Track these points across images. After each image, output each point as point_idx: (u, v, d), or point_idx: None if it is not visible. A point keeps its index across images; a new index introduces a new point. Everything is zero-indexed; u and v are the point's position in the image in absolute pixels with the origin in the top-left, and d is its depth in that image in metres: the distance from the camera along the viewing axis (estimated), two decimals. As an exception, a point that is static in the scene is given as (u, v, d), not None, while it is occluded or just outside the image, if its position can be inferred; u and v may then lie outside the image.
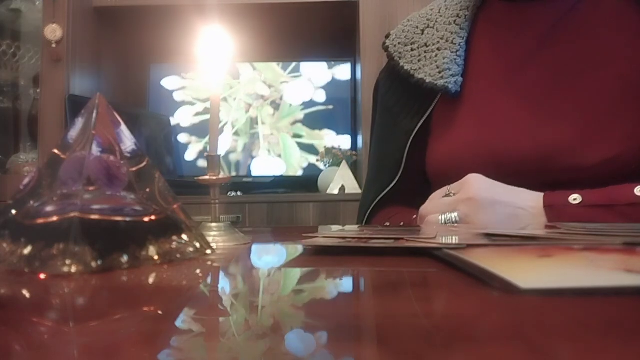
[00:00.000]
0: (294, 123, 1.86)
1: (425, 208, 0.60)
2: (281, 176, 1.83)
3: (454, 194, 0.58)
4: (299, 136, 1.85)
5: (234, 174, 1.82)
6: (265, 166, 1.85)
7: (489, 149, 0.65)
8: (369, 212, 0.78)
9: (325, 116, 1.86)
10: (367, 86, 1.58)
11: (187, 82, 1.87)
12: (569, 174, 0.59)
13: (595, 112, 0.62)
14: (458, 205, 0.56)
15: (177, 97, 1.87)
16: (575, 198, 0.54)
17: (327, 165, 1.78)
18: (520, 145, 0.64)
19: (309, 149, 1.85)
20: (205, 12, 1.57)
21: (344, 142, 1.84)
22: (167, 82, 1.88)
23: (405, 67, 0.74)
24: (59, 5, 1.52)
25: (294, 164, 1.84)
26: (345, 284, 0.28)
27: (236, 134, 1.85)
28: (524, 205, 0.55)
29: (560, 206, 0.54)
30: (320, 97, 1.87)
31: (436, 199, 0.60)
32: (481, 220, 0.54)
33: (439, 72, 0.70)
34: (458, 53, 0.70)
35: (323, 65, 1.87)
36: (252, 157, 1.84)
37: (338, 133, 1.86)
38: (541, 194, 0.56)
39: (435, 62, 0.71)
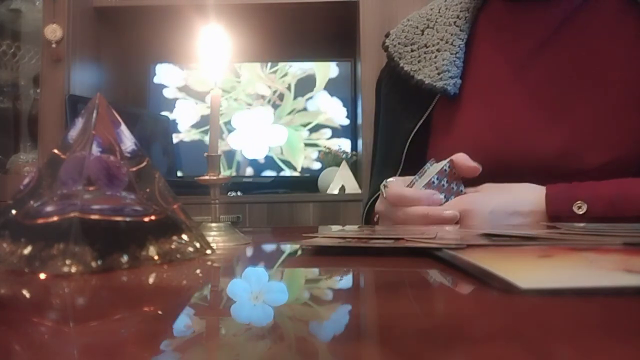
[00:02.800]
0: (295, 112, 1.85)
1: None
2: (281, 176, 1.83)
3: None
4: (302, 125, 1.85)
5: (233, 174, 1.82)
6: (265, 146, 1.84)
7: (489, 150, 0.65)
8: (366, 209, 0.79)
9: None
10: (367, 86, 1.58)
11: (187, 82, 1.87)
12: (569, 177, 0.59)
13: (596, 116, 0.62)
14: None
15: (177, 96, 1.87)
16: (580, 206, 0.54)
17: (327, 165, 1.78)
18: (520, 148, 0.64)
19: (313, 128, 1.84)
20: (205, 12, 1.57)
21: (341, 112, 1.83)
22: (167, 82, 1.87)
23: (405, 68, 0.74)
24: (59, 5, 1.52)
25: (297, 148, 1.83)
26: (345, 284, 0.28)
27: (236, 133, 1.85)
28: (527, 210, 0.55)
29: (565, 218, 0.54)
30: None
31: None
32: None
33: (438, 74, 0.70)
34: (457, 55, 0.70)
35: (322, 65, 1.87)
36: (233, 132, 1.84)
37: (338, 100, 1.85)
38: (543, 195, 0.55)
39: (435, 63, 0.71)
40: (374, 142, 0.87)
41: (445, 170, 0.58)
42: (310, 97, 1.86)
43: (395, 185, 0.59)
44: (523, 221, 0.55)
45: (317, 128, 1.85)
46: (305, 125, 1.85)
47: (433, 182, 0.57)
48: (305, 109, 1.86)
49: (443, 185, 0.57)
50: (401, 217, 0.57)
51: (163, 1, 1.67)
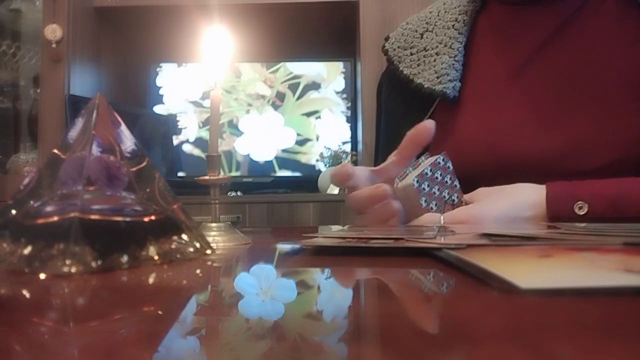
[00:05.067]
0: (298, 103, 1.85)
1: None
2: (281, 176, 1.83)
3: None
4: (305, 115, 1.85)
5: (234, 174, 1.82)
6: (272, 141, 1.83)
7: (490, 153, 0.65)
8: None
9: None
10: (367, 86, 1.58)
11: (187, 82, 1.87)
12: (569, 178, 0.59)
13: (595, 118, 0.62)
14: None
15: (177, 96, 1.87)
16: (581, 206, 0.54)
17: (327, 165, 1.78)
18: (521, 150, 0.64)
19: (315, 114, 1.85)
20: (206, 12, 1.57)
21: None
22: (167, 82, 1.88)
23: (405, 72, 0.74)
24: (59, 5, 1.52)
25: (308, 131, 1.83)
26: (345, 284, 0.28)
27: (236, 133, 1.85)
28: (530, 215, 0.55)
29: (566, 219, 0.54)
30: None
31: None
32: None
33: (437, 77, 0.70)
34: (456, 58, 0.70)
35: (322, 65, 1.87)
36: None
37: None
38: (543, 195, 0.55)
39: (434, 67, 0.71)
40: (376, 145, 0.87)
41: (439, 162, 0.58)
42: (315, 96, 1.86)
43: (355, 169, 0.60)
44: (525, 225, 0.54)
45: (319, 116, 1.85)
46: (308, 115, 1.85)
47: (426, 174, 0.57)
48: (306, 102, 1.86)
49: (436, 177, 0.57)
50: (353, 203, 0.60)
51: (163, 1, 1.67)
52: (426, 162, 0.59)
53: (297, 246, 0.41)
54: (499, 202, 0.56)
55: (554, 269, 0.25)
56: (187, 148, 1.85)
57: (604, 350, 0.14)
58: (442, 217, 0.55)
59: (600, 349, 0.14)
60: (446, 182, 0.58)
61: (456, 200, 0.58)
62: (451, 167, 0.58)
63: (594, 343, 0.15)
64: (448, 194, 0.58)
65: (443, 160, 0.58)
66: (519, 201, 0.56)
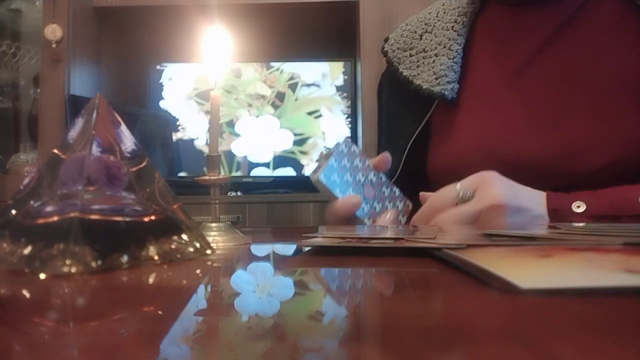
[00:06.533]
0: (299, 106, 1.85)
1: (437, 215, 0.55)
2: (281, 176, 1.83)
3: (470, 195, 0.53)
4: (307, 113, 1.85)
5: (236, 173, 1.82)
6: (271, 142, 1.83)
7: (488, 154, 0.65)
8: None
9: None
10: (367, 86, 1.58)
11: (187, 82, 1.87)
12: (569, 178, 0.59)
13: (595, 118, 0.62)
14: (482, 213, 0.52)
15: (177, 96, 1.87)
16: (578, 205, 0.53)
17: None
18: (520, 151, 0.64)
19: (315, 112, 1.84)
20: (206, 12, 1.57)
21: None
22: (168, 82, 1.88)
23: (404, 73, 0.74)
24: (59, 5, 1.52)
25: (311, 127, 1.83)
26: (345, 284, 0.28)
27: (236, 133, 1.85)
28: (542, 212, 0.54)
29: (565, 213, 0.53)
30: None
31: (447, 201, 0.54)
32: (503, 226, 0.51)
33: (436, 79, 0.70)
34: (455, 59, 0.70)
35: (322, 65, 1.87)
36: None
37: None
38: (544, 194, 0.55)
39: (433, 68, 0.71)
40: (378, 146, 0.87)
41: (343, 150, 0.56)
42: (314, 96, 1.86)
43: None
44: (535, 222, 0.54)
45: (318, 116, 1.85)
46: (308, 115, 1.85)
47: (332, 166, 0.55)
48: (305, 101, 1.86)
49: (344, 165, 0.56)
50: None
51: (163, 1, 1.67)
52: (333, 153, 0.58)
53: (297, 246, 0.41)
54: (520, 192, 0.54)
55: (554, 269, 0.25)
56: (198, 144, 1.85)
57: (604, 350, 0.14)
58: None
59: (600, 349, 0.14)
60: (356, 165, 0.57)
61: (374, 179, 0.57)
62: (357, 150, 0.57)
63: (594, 343, 0.15)
64: (363, 175, 0.57)
65: (346, 146, 0.57)
66: (532, 198, 0.55)
